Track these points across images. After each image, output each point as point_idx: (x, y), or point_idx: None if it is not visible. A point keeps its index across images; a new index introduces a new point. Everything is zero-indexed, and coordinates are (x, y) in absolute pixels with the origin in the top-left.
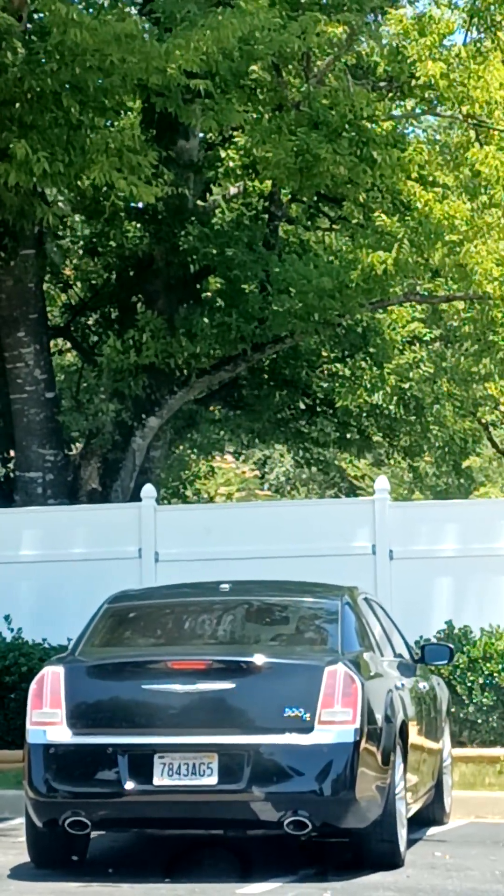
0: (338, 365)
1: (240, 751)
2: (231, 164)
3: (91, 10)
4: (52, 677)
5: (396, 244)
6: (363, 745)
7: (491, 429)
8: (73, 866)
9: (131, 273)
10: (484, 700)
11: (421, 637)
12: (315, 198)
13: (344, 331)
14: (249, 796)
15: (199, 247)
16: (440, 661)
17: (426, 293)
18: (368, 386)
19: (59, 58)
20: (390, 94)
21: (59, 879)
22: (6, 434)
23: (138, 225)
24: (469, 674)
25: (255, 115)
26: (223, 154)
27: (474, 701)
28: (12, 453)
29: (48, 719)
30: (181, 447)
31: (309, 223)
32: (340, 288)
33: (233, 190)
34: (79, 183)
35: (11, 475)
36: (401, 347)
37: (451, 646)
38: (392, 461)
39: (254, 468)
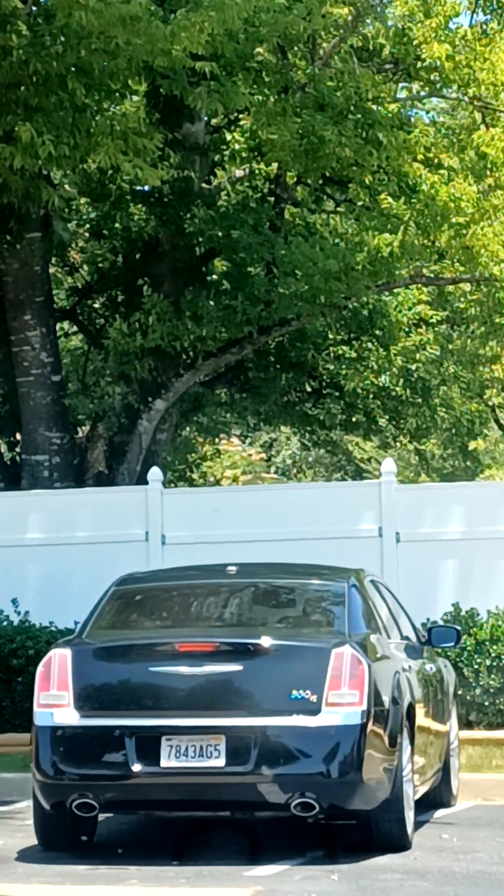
0: (344, 347)
1: (247, 733)
2: (236, 146)
3: None
4: (59, 660)
5: (402, 226)
6: (370, 727)
7: (498, 411)
8: (80, 848)
9: (137, 256)
10: (491, 682)
11: (428, 619)
12: (321, 180)
13: (350, 313)
14: (257, 778)
15: (204, 229)
16: (447, 644)
17: (432, 275)
18: (375, 368)
19: (65, 40)
20: (396, 77)
21: (66, 862)
22: (13, 417)
23: (144, 208)
24: (476, 656)
25: (260, 98)
26: (228, 136)
27: (481, 683)
28: (19, 436)
29: (55, 701)
30: (187, 430)
31: (315, 206)
32: (346, 270)
33: (238, 172)
34: (84, 166)
35: (18, 458)
36: (407, 329)
37: (459, 628)
38: (398, 444)
39: (260, 451)
